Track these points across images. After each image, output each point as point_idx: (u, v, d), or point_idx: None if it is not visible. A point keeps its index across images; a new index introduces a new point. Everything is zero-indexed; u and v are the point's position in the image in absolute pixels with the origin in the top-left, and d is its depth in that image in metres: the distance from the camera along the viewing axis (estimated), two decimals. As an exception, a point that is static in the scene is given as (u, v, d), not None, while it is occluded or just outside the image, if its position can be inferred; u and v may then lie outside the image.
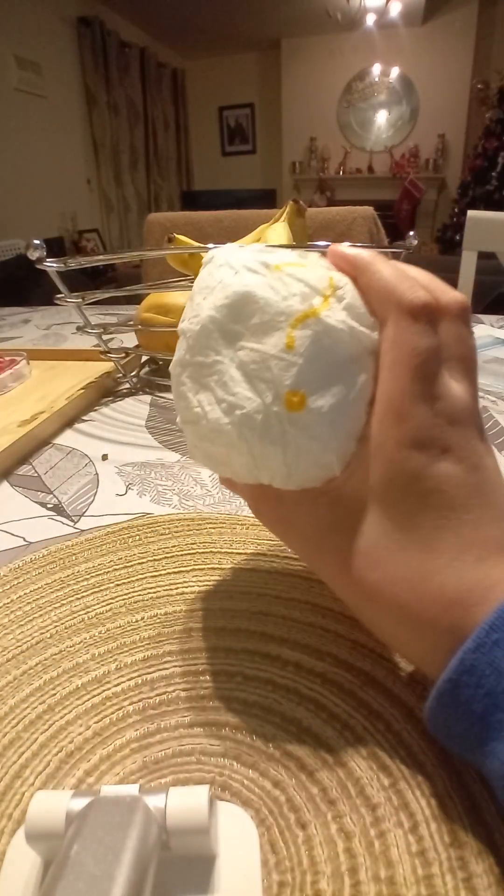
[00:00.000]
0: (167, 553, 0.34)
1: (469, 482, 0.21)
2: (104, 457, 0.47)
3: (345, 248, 0.24)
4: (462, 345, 0.22)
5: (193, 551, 0.34)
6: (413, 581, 0.20)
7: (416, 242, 0.64)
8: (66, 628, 0.29)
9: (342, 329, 0.21)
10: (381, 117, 5.66)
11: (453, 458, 0.21)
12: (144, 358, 0.71)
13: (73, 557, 0.34)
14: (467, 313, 0.23)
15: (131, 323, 0.65)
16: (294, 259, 0.23)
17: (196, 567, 0.33)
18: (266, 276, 0.22)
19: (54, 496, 0.42)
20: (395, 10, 4.69)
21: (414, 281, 0.22)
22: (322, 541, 0.23)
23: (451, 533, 0.20)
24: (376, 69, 5.45)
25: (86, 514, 0.39)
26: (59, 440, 0.51)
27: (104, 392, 0.62)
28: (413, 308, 0.21)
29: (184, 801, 0.18)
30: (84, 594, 0.31)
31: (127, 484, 0.43)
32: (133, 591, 0.31)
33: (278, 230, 0.73)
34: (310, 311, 0.21)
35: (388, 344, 0.22)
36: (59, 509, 0.40)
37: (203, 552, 0.34)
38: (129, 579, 0.32)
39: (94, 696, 0.25)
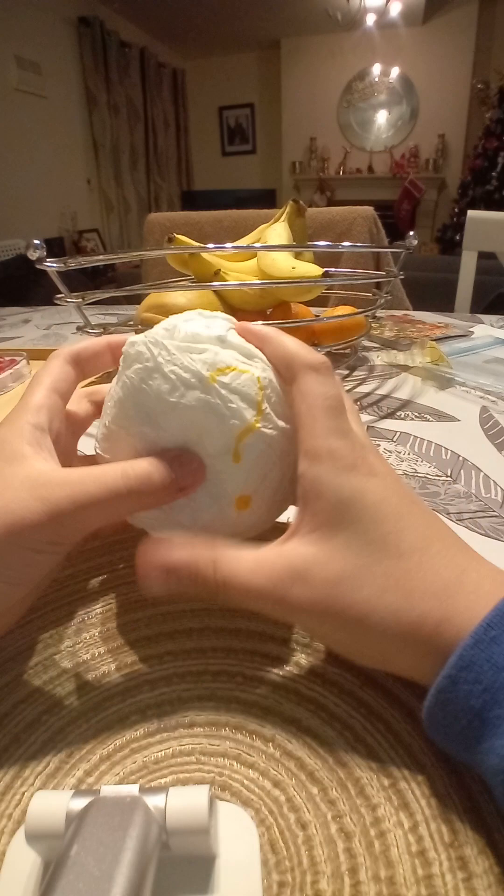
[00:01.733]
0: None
1: (399, 491, 0.24)
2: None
3: (251, 326, 0.28)
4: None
5: (193, 551, 0.34)
6: (399, 585, 0.21)
7: (416, 242, 0.64)
8: (65, 628, 0.29)
9: (275, 434, 0.25)
10: (382, 117, 5.66)
11: (379, 474, 0.24)
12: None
13: (73, 557, 0.34)
14: (332, 370, 0.26)
15: (131, 323, 0.65)
16: (216, 352, 0.25)
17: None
18: (205, 395, 0.24)
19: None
20: (396, 9, 4.69)
21: (308, 347, 0.27)
22: (314, 595, 0.22)
23: (410, 533, 0.22)
24: (376, 69, 5.45)
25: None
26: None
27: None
28: (316, 365, 0.25)
29: (184, 801, 0.18)
30: (84, 594, 0.31)
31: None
32: (133, 591, 0.31)
33: (278, 230, 0.73)
34: (250, 427, 0.25)
35: (300, 397, 0.25)
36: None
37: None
38: (129, 579, 0.32)
39: (94, 696, 0.25)
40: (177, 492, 0.24)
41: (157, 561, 0.23)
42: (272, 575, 0.22)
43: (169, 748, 0.22)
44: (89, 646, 0.27)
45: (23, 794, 0.21)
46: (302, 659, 0.26)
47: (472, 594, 0.21)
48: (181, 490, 0.24)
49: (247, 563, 0.23)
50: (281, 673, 0.25)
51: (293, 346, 0.26)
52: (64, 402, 0.29)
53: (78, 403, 0.31)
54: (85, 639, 0.28)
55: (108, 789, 0.18)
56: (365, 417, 0.54)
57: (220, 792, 0.21)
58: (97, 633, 0.28)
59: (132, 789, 0.18)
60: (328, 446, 0.24)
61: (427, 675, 0.20)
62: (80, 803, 0.18)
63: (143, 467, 0.24)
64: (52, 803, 0.18)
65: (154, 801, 0.18)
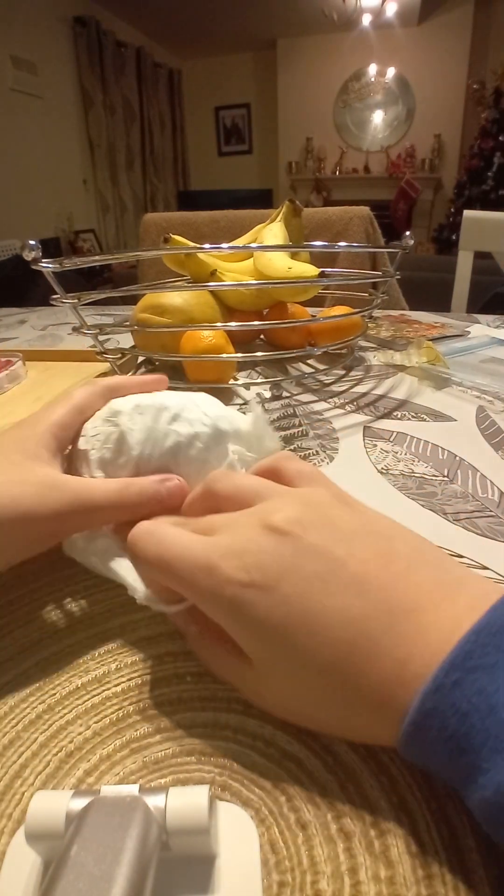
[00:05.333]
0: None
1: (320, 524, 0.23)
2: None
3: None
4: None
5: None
6: (351, 622, 0.20)
7: (412, 242, 0.64)
8: (65, 628, 0.29)
9: None
10: (378, 117, 5.66)
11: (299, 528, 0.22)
12: (141, 359, 0.71)
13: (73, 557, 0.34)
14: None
15: (127, 324, 0.65)
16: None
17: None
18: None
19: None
20: (391, 10, 4.70)
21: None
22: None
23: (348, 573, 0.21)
24: (372, 69, 5.45)
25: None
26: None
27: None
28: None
29: (184, 801, 0.18)
30: (84, 594, 0.31)
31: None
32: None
33: (274, 230, 0.73)
34: None
35: None
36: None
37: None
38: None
39: (94, 696, 0.25)
40: (158, 504, 0.29)
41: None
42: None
43: (169, 748, 0.22)
44: (89, 646, 0.27)
45: (23, 794, 0.21)
46: (301, 659, 0.26)
47: (423, 632, 0.19)
48: (161, 503, 0.29)
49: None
50: (280, 673, 0.25)
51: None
52: (83, 421, 0.33)
53: (101, 398, 0.34)
54: (85, 639, 0.28)
55: (108, 789, 0.18)
56: (361, 417, 0.54)
57: (220, 792, 0.21)
58: (97, 633, 0.28)
59: (132, 789, 0.18)
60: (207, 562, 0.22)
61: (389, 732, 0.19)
62: (80, 803, 0.18)
63: (140, 483, 0.29)
64: (52, 803, 0.18)
65: (154, 801, 0.18)
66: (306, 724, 0.22)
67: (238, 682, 0.24)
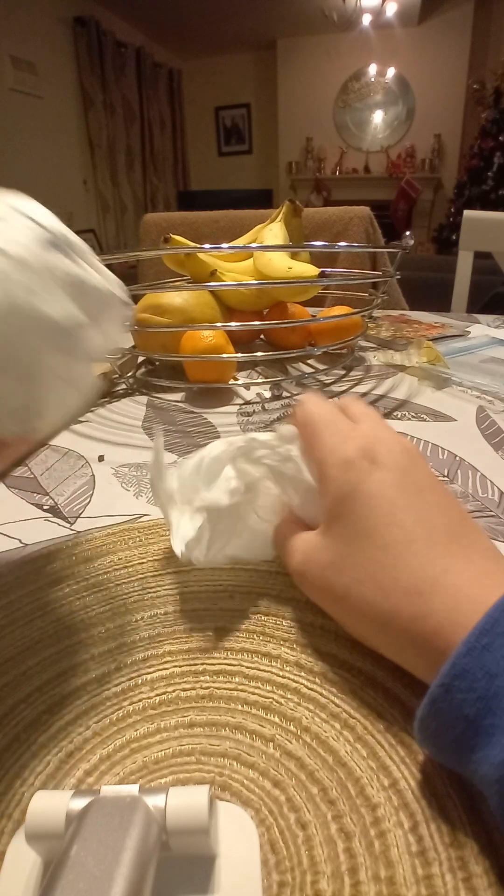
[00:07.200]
0: (167, 553, 0.34)
1: (402, 484, 0.25)
2: (100, 458, 0.47)
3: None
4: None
5: (192, 551, 0.34)
6: (373, 577, 0.23)
7: (412, 242, 0.64)
8: (65, 628, 0.29)
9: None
10: (378, 117, 5.66)
11: (384, 467, 0.26)
12: (141, 359, 0.71)
13: (73, 557, 0.34)
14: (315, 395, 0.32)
15: (127, 323, 0.65)
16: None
17: (196, 567, 0.33)
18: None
19: (51, 498, 0.42)
20: (391, 10, 4.70)
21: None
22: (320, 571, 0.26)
23: (396, 529, 0.24)
24: (372, 69, 5.46)
25: (82, 516, 0.39)
26: (55, 441, 0.51)
27: (100, 393, 0.62)
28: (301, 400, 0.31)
29: (184, 801, 0.18)
30: (84, 594, 0.31)
31: (123, 485, 0.43)
32: (133, 591, 0.31)
33: (274, 230, 0.73)
34: None
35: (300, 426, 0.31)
36: (55, 511, 0.40)
37: (202, 552, 0.34)
38: (129, 579, 0.32)
39: (94, 696, 0.25)
40: None
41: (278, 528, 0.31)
42: (296, 556, 0.28)
43: (169, 748, 0.22)
44: (89, 646, 0.27)
45: (23, 794, 0.21)
46: (302, 659, 0.26)
47: (449, 596, 0.21)
48: None
49: (294, 545, 0.28)
50: (281, 673, 0.25)
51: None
52: None
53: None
54: (85, 639, 0.28)
55: (108, 789, 0.18)
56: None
57: (220, 792, 0.21)
58: (97, 633, 0.28)
59: (132, 789, 0.18)
60: (332, 447, 0.27)
61: (419, 673, 0.22)
62: (80, 803, 0.18)
63: None
64: (52, 803, 0.18)
65: (154, 801, 0.18)
66: (351, 612, 0.25)
67: (303, 550, 0.27)
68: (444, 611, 0.21)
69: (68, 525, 0.38)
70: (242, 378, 0.66)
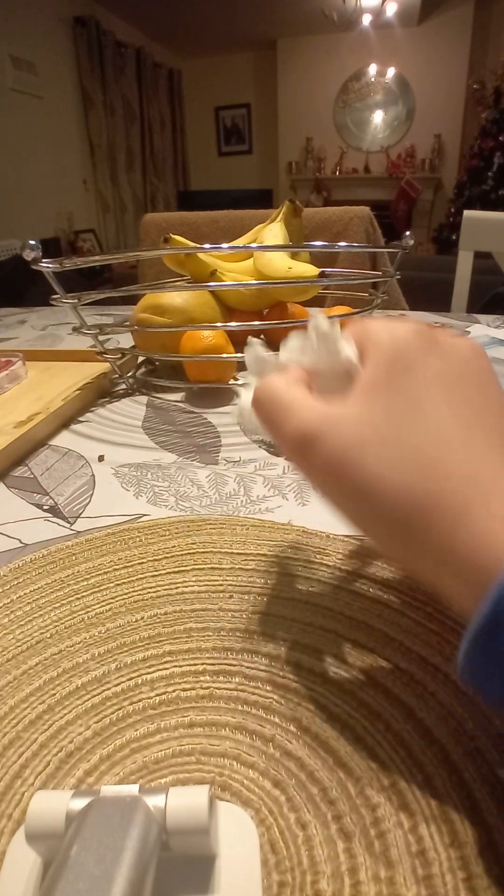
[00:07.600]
0: (167, 553, 0.34)
1: (466, 371, 0.22)
2: (100, 458, 0.47)
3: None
4: None
5: (193, 551, 0.34)
6: (419, 463, 0.20)
7: (412, 242, 0.64)
8: (66, 628, 0.29)
9: None
10: (378, 117, 5.66)
11: (445, 349, 0.23)
12: (141, 359, 0.71)
13: (73, 558, 0.34)
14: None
15: (127, 324, 0.65)
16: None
17: (196, 567, 0.33)
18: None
19: (50, 498, 0.42)
20: (391, 10, 4.70)
21: None
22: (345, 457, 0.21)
23: (452, 419, 0.21)
24: (372, 69, 5.46)
25: (82, 516, 0.39)
26: (55, 441, 0.51)
27: (100, 393, 0.62)
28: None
29: (184, 801, 0.18)
30: (84, 594, 0.31)
31: (123, 485, 0.43)
32: (133, 591, 0.31)
33: (274, 230, 0.73)
34: None
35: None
36: (55, 511, 0.40)
37: (203, 552, 0.34)
38: (129, 579, 0.32)
39: (94, 696, 0.25)
40: None
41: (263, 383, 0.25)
42: (311, 415, 0.22)
43: (169, 748, 0.22)
44: (89, 646, 0.27)
45: (23, 794, 0.21)
46: (302, 659, 0.26)
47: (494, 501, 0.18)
48: None
49: (307, 402, 0.23)
50: (281, 673, 0.25)
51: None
52: None
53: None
54: (85, 639, 0.28)
55: (108, 789, 0.18)
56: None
57: (220, 792, 0.21)
58: (97, 633, 0.28)
59: (132, 789, 0.18)
60: (384, 325, 0.24)
61: (450, 583, 0.19)
62: (80, 803, 0.17)
63: None
64: (52, 803, 0.18)
65: (154, 801, 0.18)
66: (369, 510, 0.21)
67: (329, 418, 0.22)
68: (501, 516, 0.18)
69: (68, 525, 0.38)
70: (242, 378, 0.66)
